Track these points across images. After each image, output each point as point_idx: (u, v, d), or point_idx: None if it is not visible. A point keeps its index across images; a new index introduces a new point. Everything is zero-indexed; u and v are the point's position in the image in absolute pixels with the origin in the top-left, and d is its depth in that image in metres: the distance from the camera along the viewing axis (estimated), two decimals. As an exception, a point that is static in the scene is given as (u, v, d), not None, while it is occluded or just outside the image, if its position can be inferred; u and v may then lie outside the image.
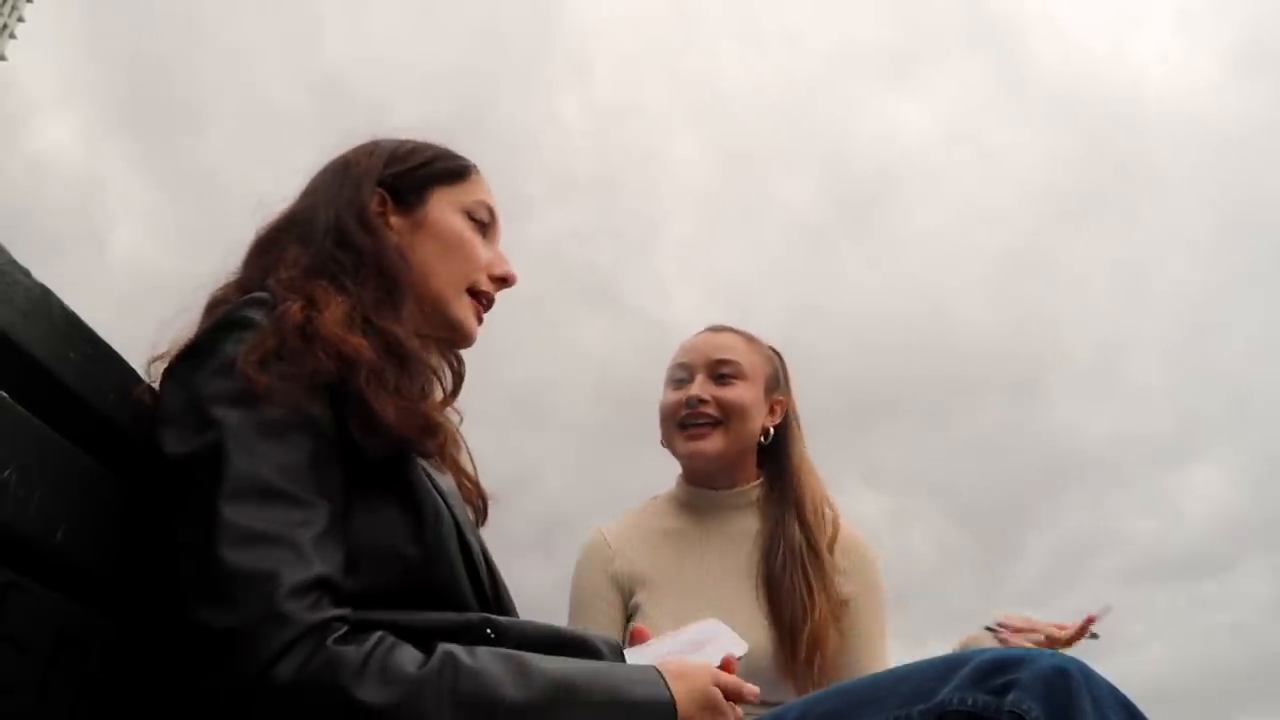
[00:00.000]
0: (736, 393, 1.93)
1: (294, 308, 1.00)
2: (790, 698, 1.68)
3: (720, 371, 1.94)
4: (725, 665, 1.12)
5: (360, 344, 1.01)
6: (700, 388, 1.93)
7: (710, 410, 1.92)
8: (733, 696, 1.02)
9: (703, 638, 1.22)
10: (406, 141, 1.27)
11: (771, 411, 1.98)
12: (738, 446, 1.93)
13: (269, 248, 1.15)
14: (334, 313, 1.02)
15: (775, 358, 2.04)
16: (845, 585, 1.86)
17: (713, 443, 1.91)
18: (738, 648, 1.19)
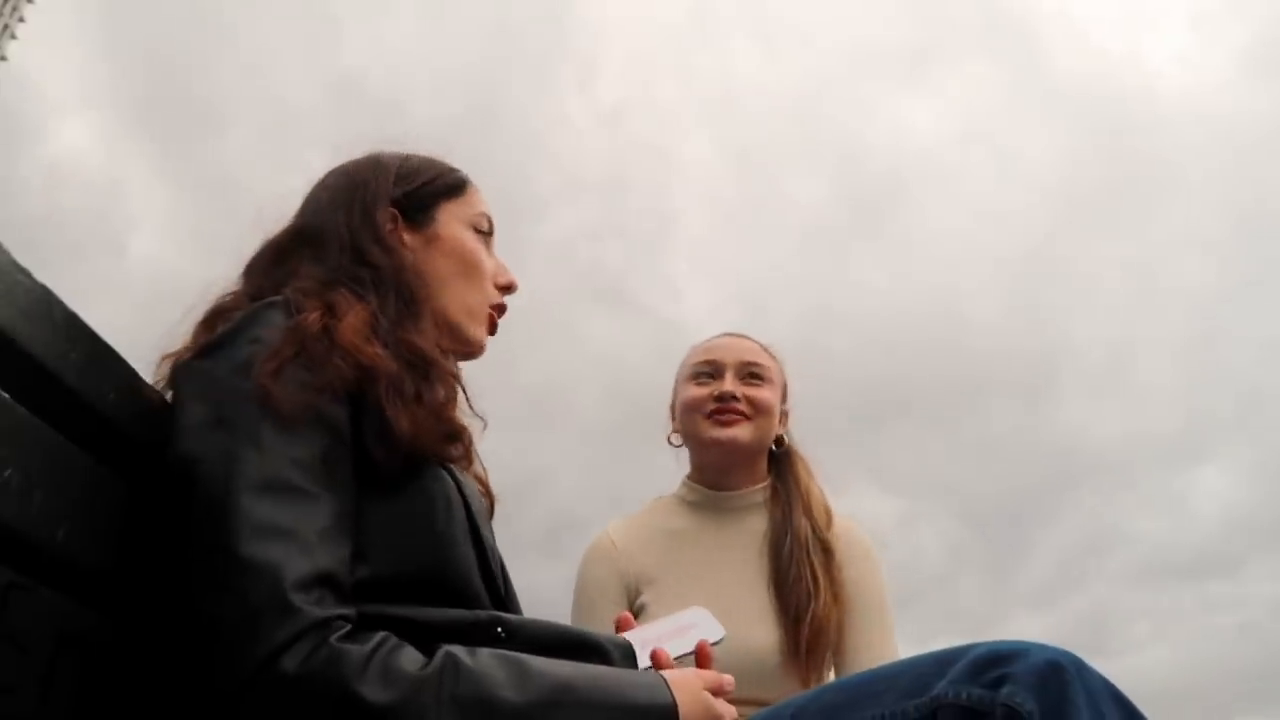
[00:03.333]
0: (765, 394, 2.01)
1: (312, 316, 1.01)
2: (794, 687, 1.69)
3: (750, 372, 2.02)
4: (700, 650, 1.15)
5: (377, 354, 1.02)
6: (732, 384, 1.99)
7: (742, 407, 1.98)
8: (714, 691, 1.03)
9: (685, 624, 1.23)
10: (410, 157, 1.30)
11: (781, 420, 2.06)
12: (761, 444, 2.00)
13: (280, 261, 1.17)
14: (353, 321, 1.04)
15: (783, 370, 2.11)
16: (840, 570, 1.89)
17: (744, 431, 1.98)
18: (714, 634, 1.21)
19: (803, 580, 1.82)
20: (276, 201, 1.25)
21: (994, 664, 0.95)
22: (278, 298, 1.05)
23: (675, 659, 1.17)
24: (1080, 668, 0.93)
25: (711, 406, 1.98)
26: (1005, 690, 0.92)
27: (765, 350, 2.08)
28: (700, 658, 1.17)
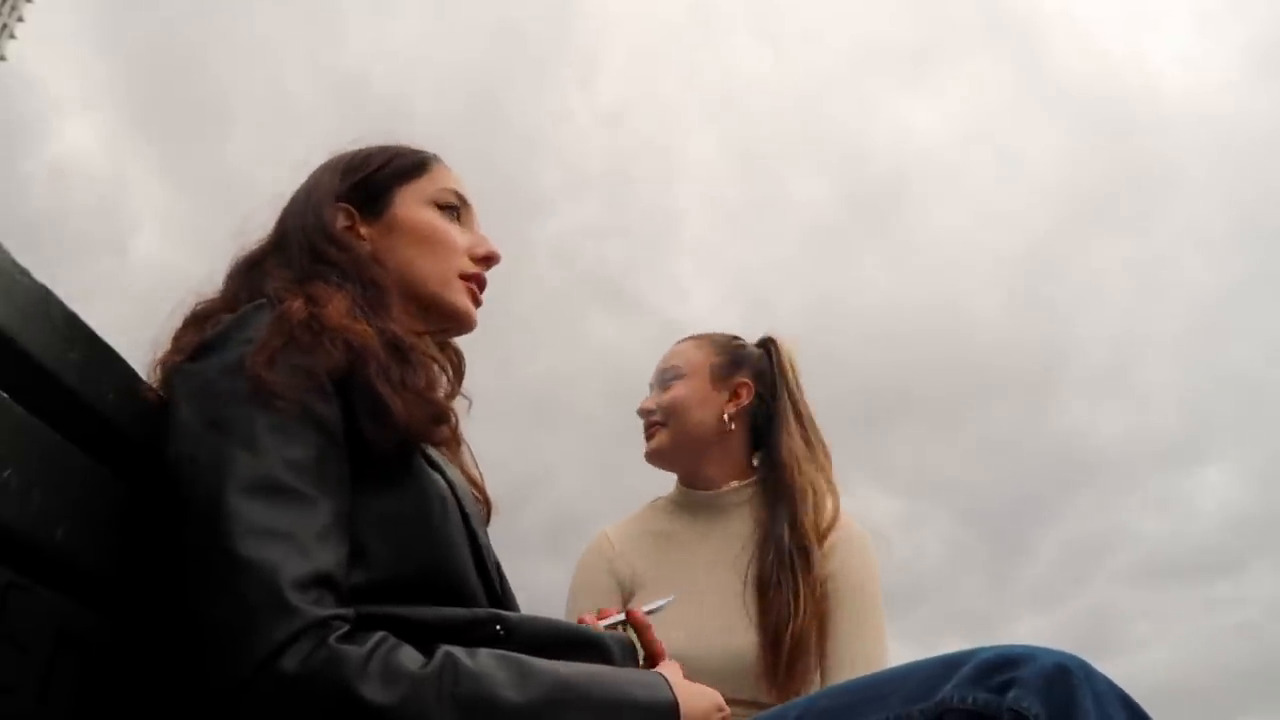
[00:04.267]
0: (672, 393, 2.01)
1: (296, 304, 1.01)
2: (774, 700, 1.68)
3: (663, 380, 2.05)
4: (630, 615, 1.20)
5: (367, 331, 1.02)
6: (647, 400, 2.06)
7: (655, 417, 2.02)
8: None
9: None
10: (361, 150, 1.28)
11: (736, 395, 2.00)
12: (687, 439, 1.99)
13: (252, 269, 1.17)
14: (337, 305, 1.04)
15: (730, 346, 2.07)
16: (828, 563, 1.86)
17: (658, 440, 2.01)
18: (657, 603, 1.28)
19: (784, 594, 1.79)
20: (267, 206, 1.25)
21: (1001, 668, 0.94)
22: (263, 299, 1.04)
23: (605, 627, 1.19)
24: (1088, 672, 0.92)
25: (643, 428, 2.05)
26: (1012, 695, 0.91)
27: (692, 343, 2.08)
28: (634, 623, 1.19)
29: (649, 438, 2.02)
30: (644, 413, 2.04)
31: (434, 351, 1.17)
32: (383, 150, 1.28)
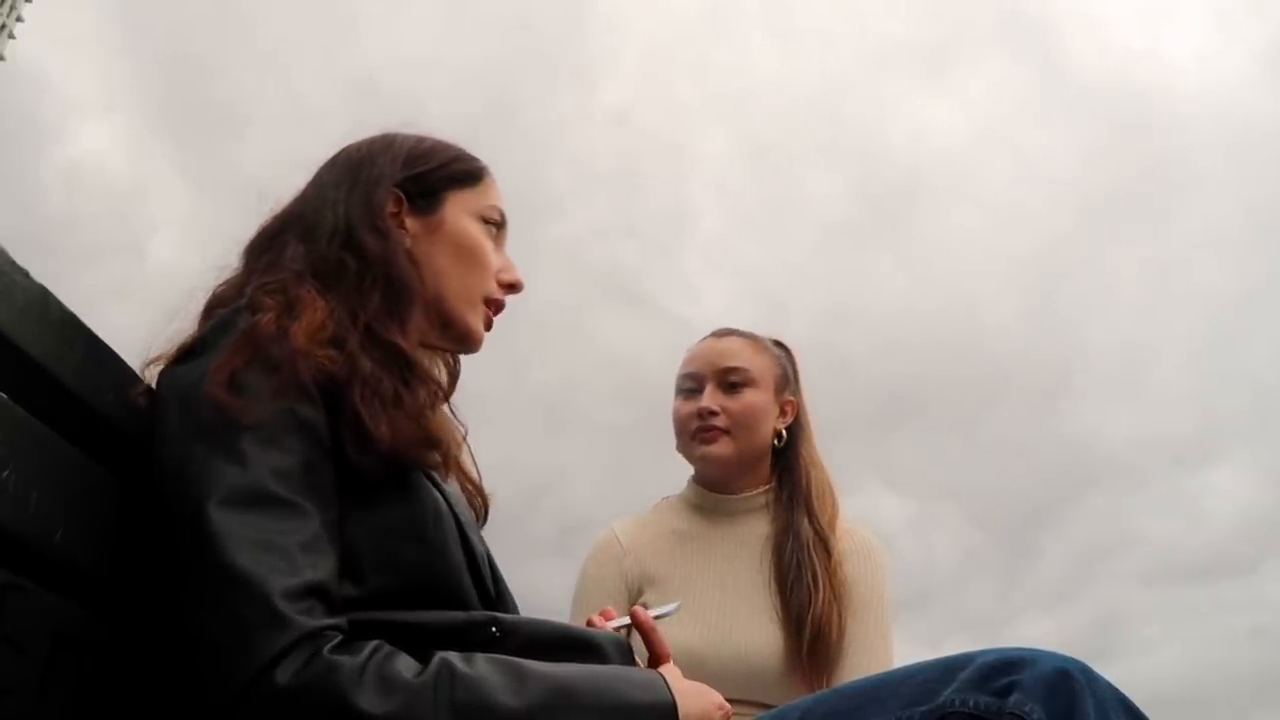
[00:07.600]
0: (746, 401, 1.94)
1: (267, 317, 0.96)
2: (801, 690, 1.68)
3: (729, 380, 1.96)
4: (633, 615, 1.19)
5: (330, 356, 0.97)
6: (710, 398, 1.95)
7: (720, 421, 1.93)
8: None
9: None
10: (424, 139, 1.23)
11: (783, 413, 1.99)
12: (749, 452, 1.96)
13: (270, 244, 1.12)
14: (310, 321, 0.98)
15: (783, 356, 2.05)
16: (839, 572, 1.85)
17: (723, 447, 1.93)
18: (666, 608, 1.27)
19: (803, 581, 1.79)
20: (277, 187, 1.19)
21: (1002, 672, 0.93)
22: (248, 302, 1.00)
23: (613, 629, 1.18)
24: (1089, 676, 0.91)
25: (694, 425, 1.95)
26: (1013, 699, 0.90)
27: (750, 345, 2.01)
28: (639, 625, 1.19)
29: (707, 440, 1.93)
30: (705, 412, 1.93)
31: (434, 369, 1.14)
32: (447, 148, 1.23)
